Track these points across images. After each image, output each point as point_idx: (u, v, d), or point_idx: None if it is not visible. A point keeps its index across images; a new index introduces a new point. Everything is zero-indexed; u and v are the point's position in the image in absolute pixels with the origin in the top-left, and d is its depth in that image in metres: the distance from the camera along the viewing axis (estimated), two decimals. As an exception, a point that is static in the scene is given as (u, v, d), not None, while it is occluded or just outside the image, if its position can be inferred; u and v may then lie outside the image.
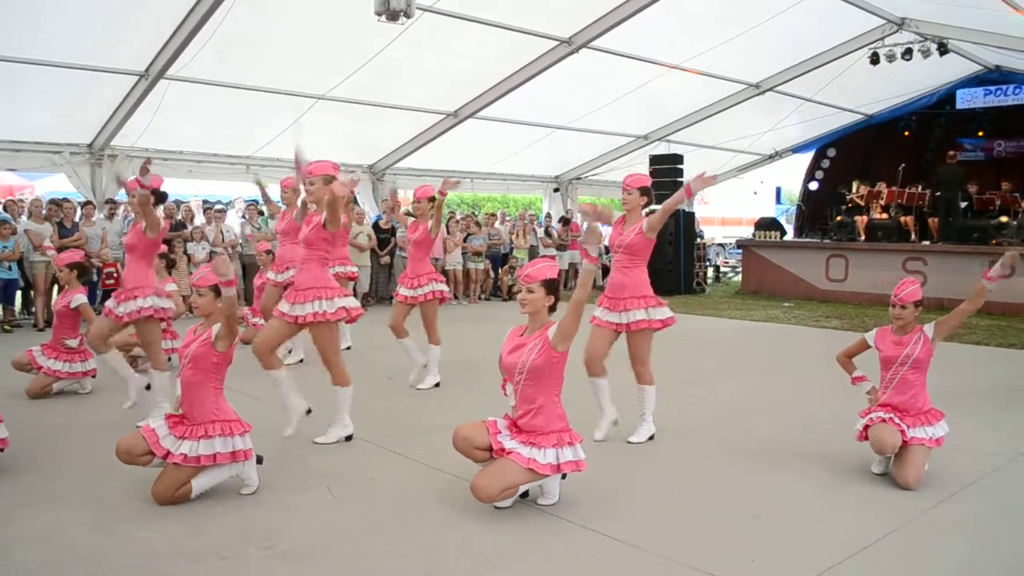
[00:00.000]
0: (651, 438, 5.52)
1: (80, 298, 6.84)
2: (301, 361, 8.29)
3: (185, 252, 12.12)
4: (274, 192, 8.85)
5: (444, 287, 7.36)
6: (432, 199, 7.33)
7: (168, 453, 4.21)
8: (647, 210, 5.63)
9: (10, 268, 10.58)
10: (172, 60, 10.03)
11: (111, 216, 12.03)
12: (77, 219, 11.55)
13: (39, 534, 3.85)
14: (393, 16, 8.56)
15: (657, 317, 5.41)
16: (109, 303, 6.00)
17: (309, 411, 5.39)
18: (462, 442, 4.25)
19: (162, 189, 6.04)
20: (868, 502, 4.40)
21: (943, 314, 4.93)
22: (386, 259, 14.02)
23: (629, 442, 5.44)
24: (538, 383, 4.19)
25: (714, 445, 5.52)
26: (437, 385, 7.25)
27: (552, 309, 4.29)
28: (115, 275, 11.48)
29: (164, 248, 8.48)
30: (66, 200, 11.78)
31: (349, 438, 5.49)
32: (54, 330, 6.98)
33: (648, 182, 5.63)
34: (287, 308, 5.34)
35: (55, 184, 16.50)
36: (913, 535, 3.96)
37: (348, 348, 9.16)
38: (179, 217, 12.84)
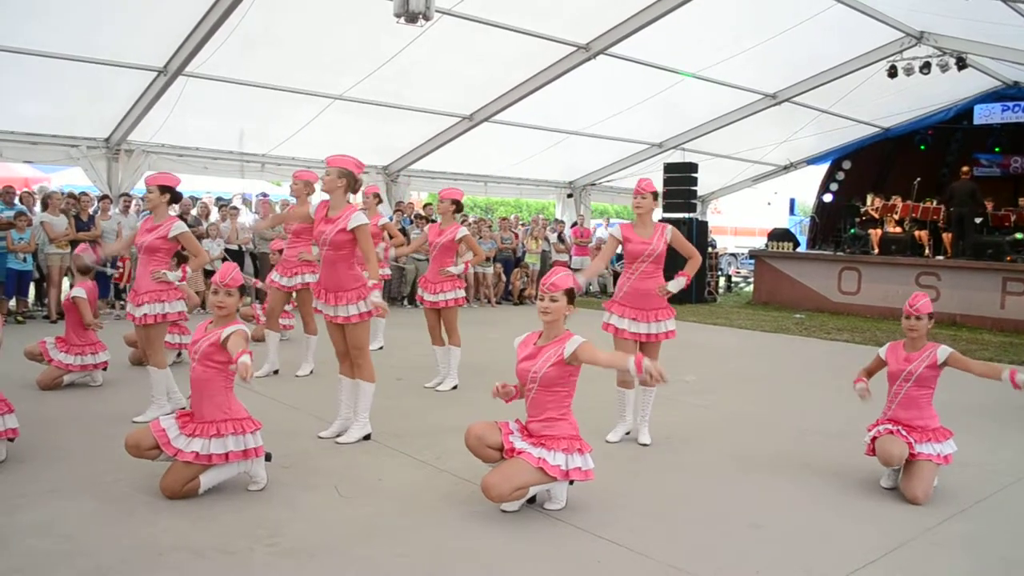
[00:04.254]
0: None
1: (79, 291, 6.87)
2: (311, 372, 7.86)
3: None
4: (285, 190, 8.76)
5: (463, 292, 7.39)
6: (456, 203, 7.33)
7: (179, 452, 4.22)
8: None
9: (25, 260, 10.65)
10: (191, 57, 10.09)
11: (126, 210, 12.09)
12: (93, 212, 11.63)
13: (44, 524, 3.86)
14: (412, 18, 8.58)
15: (674, 328, 5.60)
16: (131, 308, 5.84)
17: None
18: (474, 440, 4.25)
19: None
20: (875, 516, 4.38)
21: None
22: (402, 259, 14.02)
23: (645, 444, 5.58)
24: (550, 393, 4.21)
25: (721, 455, 5.50)
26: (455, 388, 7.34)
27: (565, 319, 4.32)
28: (122, 270, 11.55)
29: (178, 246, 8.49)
30: (84, 194, 11.86)
31: (367, 437, 5.49)
32: (67, 325, 7.02)
33: (656, 188, 5.69)
34: (331, 311, 5.34)
35: (71, 177, 16.60)
36: (919, 551, 3.93)
37: (380, 348, 9.15)
38: (194, 213, 12.92)
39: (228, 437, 4.28)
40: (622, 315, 5.51)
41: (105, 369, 7.06)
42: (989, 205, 15.54)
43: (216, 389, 4.39)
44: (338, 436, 5.47)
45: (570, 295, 4.27)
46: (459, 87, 12.80)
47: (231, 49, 10.03)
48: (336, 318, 5.33)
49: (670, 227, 5.57)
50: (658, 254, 5.47)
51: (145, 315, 5.70)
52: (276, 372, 7.75)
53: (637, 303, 5.48)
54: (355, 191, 5.55)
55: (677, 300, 5.62)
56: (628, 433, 5.72)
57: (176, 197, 6.07)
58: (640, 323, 5.46)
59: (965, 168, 15.54)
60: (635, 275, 5.52)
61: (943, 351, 4.72)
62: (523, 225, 17.55)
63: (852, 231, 16.70)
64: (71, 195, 11.83)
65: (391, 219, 14.16)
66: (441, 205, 7.38)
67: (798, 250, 17.67)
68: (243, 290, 4.56)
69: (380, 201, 9.01)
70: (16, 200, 11.25)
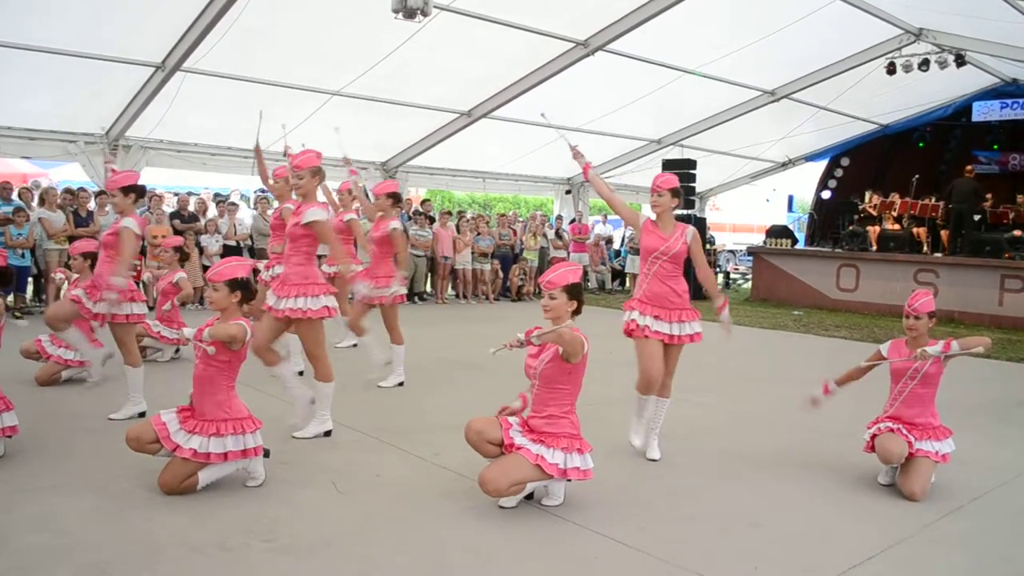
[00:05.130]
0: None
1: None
2: (354, 345, 8.26)
3: (198, 245, 12.18)
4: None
5: (403, 289, 7.25)
6: (393, 196, 7.20)
7: (177, 447, 4.22)
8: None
9: (23, 255, 10.64)
10: (189, 52, 10.07)
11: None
12: (91, 208, 11.61)
13: (41, 520, 3.86)
14: (410, 14, 8.56)
15: (700, 330, 5.23)
16: (80, 294, 5.86)
17: (313, 400, 5.40)
18: (474, 435, 4.24)
19: (141, 182, 5.94)
20: (872, 513, 4.39)
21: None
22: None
23: (654, 459, 5.21)
24: (552, 390, 4.22)
25: (718, 452, 5.51)
26: (400, 384, 7.16)
27: (575, 313, 4.29)
28: (138, 267, 11.55)
29: (180, 240, 8.55)
30: (82, 189, 11.85)
31: (328, 433, 5.47)
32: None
33: (677, 183, 5.23)
34: (273, 302, 5.33)
35: (69, 173, 16.58)
36: (917, 548, 3.94)
37: (354, 346, 9.13)
38: (192, 209, 12.91)
39: (228, 437, 4.27)
40: (644, 312, 5.10)
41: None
42: (987, 203, 15.55)
43: (218, 387, 4.37)
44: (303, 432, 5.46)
45: (570, 291, 4.26)
46: (457, 83, 12.77)
47: (229, 45, 10.00)
48: (276, 310, 5.29)
49: (692, 229, 5.19)
50: (674, 253, 5.08)
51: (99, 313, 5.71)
52: (301, 373, 7.71)
53: (659, 301, 5.10)
54: (323, 179, 5.57)
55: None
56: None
57: (140, 193, 5.91)
58: (662, 322, 5.06)
59: (969, 167, 15.56)
60: (651, 274, 5.15)
61: (955, 345, 4.63)
62: (521, 221, 17.55)
63: (850, 228, 16.72)
64: (68, 191, 11.81)
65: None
66: (378, 202, 7.19)
67: (796, 247, 17.68)
68: (235, 284, 4.48)
69: (355, 199, 8.91)
70: (14, 196, 11.24)
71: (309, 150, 5.47)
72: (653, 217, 5.27)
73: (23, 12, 9.05)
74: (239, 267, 4.56)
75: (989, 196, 15.80)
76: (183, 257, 8.11)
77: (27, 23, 9.21)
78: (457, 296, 15.11)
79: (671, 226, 5.15)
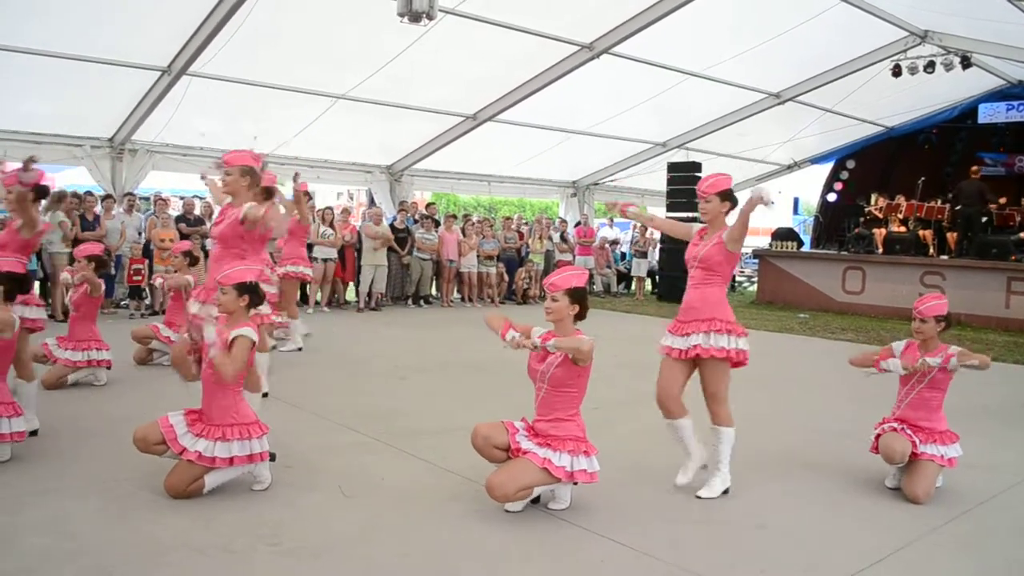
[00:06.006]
0: (726, 492, 4.64)
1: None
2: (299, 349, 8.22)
3: (203, 248, 12.19)
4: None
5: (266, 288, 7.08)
6: (266, 190, 7.10)
7: (184, 450, 4.22)
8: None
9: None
10: (194, 56, 10.11)
11: (130, 210, 12.11)
12: (98, 212, 11.64)
13: (48, 522, 3.87)
14: (415, 17, 8.58)
15: (723, 345, 4.53)
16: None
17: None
18: (481, 440, 4.24)
19: (56, 186, 5.81)
20: (879, 516, 4.37)
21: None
22: (407, 258, 14.04)
23: (699, 497, 4.56)
24: (560, 393, 4.21)
25: (725, 455, 5.48)
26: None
27: (579, 318, 4.28)
28: (142, 271, 11.59)
29: (190, 245, 8.59)
30: (88, 193, 11.87)
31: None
32: (71, 322, 7.03)
33: (729, 184, 4.64)
34: (195, 308, 4.97)
35: (75, 177, 16.62)
36: (923, 551, 3.92)
37: (308, 335, 9.00)
38: (197, 213, 12.93)
39: (234, 442, 4.27)
40: (669, 329, 4.73)
41: (109, 368, 7.06)
42: (994, 206, 15.51)
43: (226, 392, 4.37)
44: None
45: (573, 294, 4.25)
46: (462, 86, 12.79)
47: (235, 49, 10.04)
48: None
49: (728, 230, 4.57)
50: (703, 257, 4.55)
51: None
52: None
53: (681, 315, 4.65)
54: (258, 184, 5.28)
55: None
56: (705, 466, 4.73)
57: (41, 193, 5.72)
58: (675, 336, 4.63)
59: (975, 168, 15.53)
60: (688, 284, 4.68)
61: (954, 361, 4.62)
62: (526, 224, 17.54)
63: (856, 230, 16.66)
64: (75, 195, 11.83)
65: (395, 218, 14.20)
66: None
67: (802, 250, 17.62)
68: (244, 288, 4.49)
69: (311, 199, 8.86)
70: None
71: (244, 150, 5.31)
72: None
73: (25, 16, 9.11)
74: (247, 271, 4.57)
75: (1003, 200, 15.75)
76: (192, 261, 8.13)
77: (30, 27, 9.26)
78: (462, 299, 15.11)
79: (716, 231, 4.59)
